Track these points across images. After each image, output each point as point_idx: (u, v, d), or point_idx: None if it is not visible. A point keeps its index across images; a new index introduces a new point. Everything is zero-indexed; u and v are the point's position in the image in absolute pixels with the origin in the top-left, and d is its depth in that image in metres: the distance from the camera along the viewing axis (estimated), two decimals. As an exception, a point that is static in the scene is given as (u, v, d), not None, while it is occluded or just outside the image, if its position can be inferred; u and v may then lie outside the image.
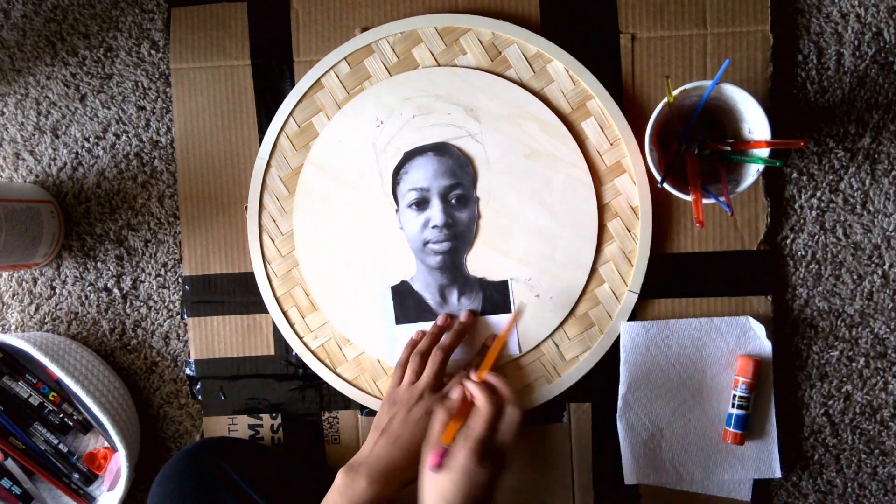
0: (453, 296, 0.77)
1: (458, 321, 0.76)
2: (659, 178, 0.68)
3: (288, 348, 0.80)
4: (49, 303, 0.83)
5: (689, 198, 0.68)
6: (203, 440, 0.78)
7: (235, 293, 0.80)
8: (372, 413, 0.79)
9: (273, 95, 0.79)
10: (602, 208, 0.76)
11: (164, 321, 0.82)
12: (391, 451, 0.65)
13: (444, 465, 0.59)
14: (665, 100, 0.67)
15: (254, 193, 0.79)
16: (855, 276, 0.78)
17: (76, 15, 0.81)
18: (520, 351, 0.77)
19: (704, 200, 0.68)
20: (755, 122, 0.68)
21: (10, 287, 0.83)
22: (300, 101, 0.78)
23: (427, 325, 0.77)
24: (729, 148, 0.70)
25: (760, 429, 0.76)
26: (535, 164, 0.76)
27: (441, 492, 0.59)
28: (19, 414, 0.79)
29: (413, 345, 0.75)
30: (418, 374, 0.72)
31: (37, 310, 0.83)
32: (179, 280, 0.81)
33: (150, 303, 0.82)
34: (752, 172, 0.68)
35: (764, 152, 0.68)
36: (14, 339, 0.75)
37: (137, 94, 0.81)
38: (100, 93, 0.81)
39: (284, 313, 0.79)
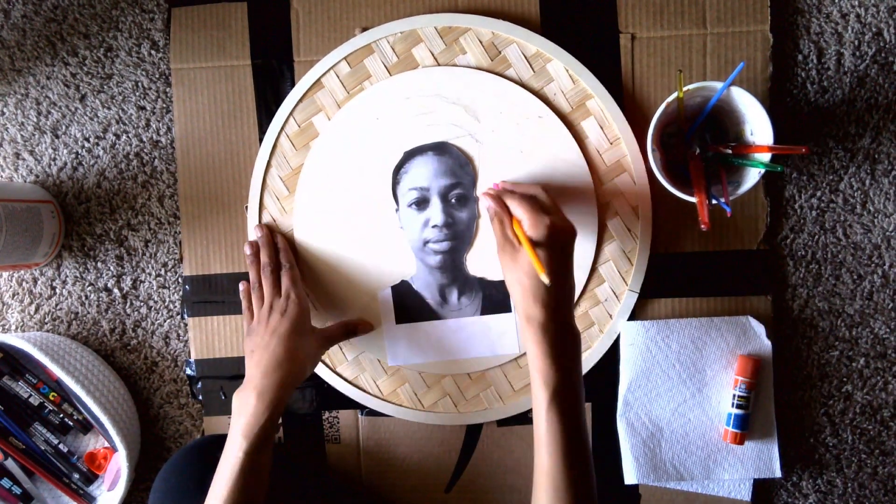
0: (453, 295, 0.77)
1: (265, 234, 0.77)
2: (665, 182, 0.68)
3: (288, 348, 0.80)
4: (49, 303, 0.83)
5: (691, 199, 0.68)
6: (206, 436, 0.78)
7: (235, 293, 0.80)
8: (373, 413, 0.79)
9: (273, 95, 0.79)
10: (602, 207, 0.76)
11: (165, 321, 0.82)
12: (267, 364, 0.67)
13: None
14: (668, 99, 0.67)
15: (254, 193, 0.79)
16: (855, 276, 0.78)
17: (76, 15, 0.81)
18: (519, 351, 0.77)
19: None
20: (758, 125, 0.68)
21: (11, 287, 0.83)
22: (300, 100, 0.78)
23: (427, 325, 0.77)
24: (730, 151, 0.70)
25: (760, 428, 0.76)
26: (535, 163, 0.76)
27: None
28: (19, 414, 0.79)
29: (247, 291, 0.76)
30: (262, 300, 0.74)
31: (37, 310, 0.83)
32: (179, 280, 0.81)
33: (151, 303, 0.82)
34: (753, 175, 0.68)
35: (765, 156, 0.67)
36: (14, 339, 0.75)
37: (137, 94, 0.81)
38: (100, 93, 0.81)
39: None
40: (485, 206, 0.71)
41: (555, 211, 0.65)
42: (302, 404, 0.80)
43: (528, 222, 0.62)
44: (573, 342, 0.62)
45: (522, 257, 0.62)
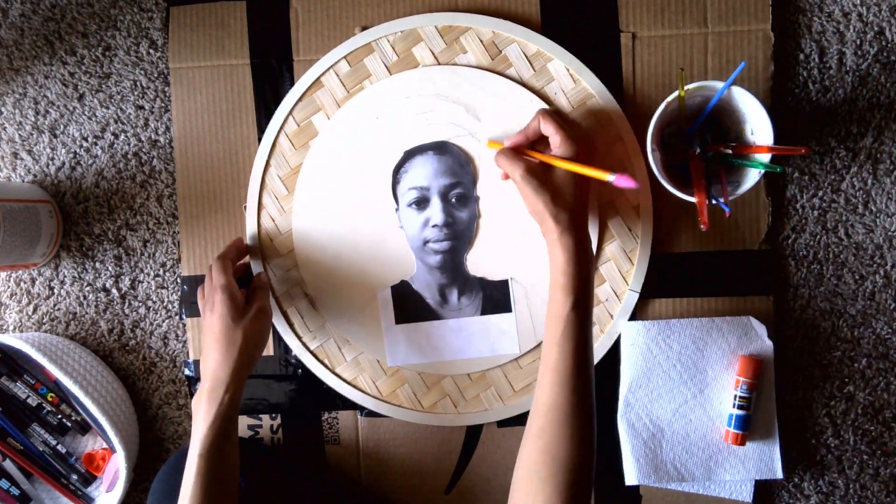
0: (453, 295, 0.77)
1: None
2: (665, 182, 0.68)
3: (287, 349, 0.79)
4: (47, 303, 0.82)
5: (691, 199, 0.68)
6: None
7: (234, 293, 0.79)
8: (372, 413, 0.79)
9: (272, 94, 0.78)
10: (602, 208, 0.76)
11: (163, 321, 0.81)
12: (211, 364, 0.66)
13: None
14: (668, 98, 0.67)
15: (253, 193, 0.78)
16: (857, 277, 0.77)
17: (74, 14, 0.81)
18: (520, 351, 0.77)
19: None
20: (758, 125, 0.68)
21: (9, 287, 0.82)
22: (300, 100, 0.77)
23: (427, 325, 0.77)
24: (730, 151, 0.69)
25: (762, 429, 0.76)
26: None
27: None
28: (17, 415, 0.79)
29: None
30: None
31: (35, 310, 0.82)
32: (178, 280, 0.81)
33: (149, 303, 0.81)
34: (753, 175, 0.68)
35: (765, 156, 0.67)
36: (12, 340, 0.75)
37: (136, 93, 0.81)
38: (98, 92, 0.81)
39: (283, 313, 0.79)
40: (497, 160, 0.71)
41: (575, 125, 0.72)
42: (301, 405, 0.80)
43: (559, 139, 0.67)
44: (590, 256, 0.66)
45: (555, 177, 0.67)
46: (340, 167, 0.77)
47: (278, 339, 0.79)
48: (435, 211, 0.76)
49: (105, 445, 0.81)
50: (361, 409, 0.79)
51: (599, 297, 0.76)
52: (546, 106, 0.75)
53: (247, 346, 0.67)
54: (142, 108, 0.81)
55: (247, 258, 0.79)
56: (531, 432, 0.61)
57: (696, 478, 0.77)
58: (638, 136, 0.75)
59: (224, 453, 0.64)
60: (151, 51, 0.80)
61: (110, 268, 0.82)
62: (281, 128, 0.78)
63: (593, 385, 0.63)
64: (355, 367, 0.79)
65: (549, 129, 0.67)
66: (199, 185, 0.80)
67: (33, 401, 0.79)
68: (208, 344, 0.67)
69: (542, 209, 0.66)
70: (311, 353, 0.79)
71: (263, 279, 0.75)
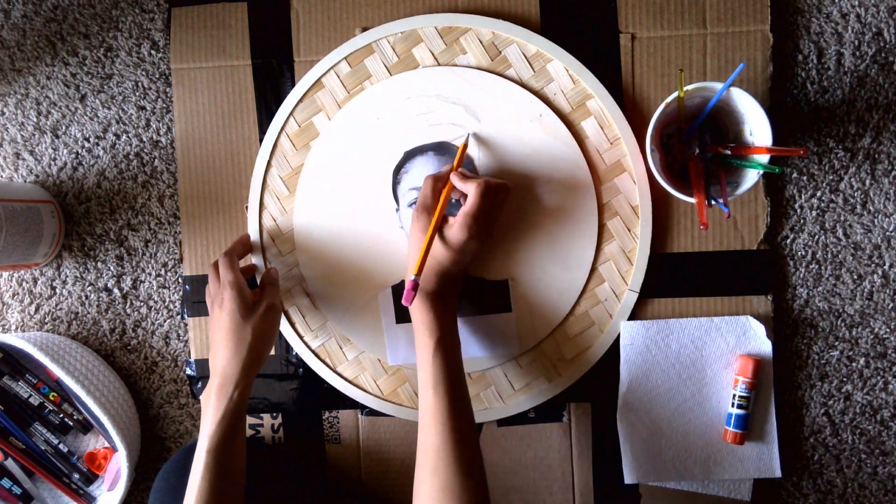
0: (453, 295, 0.77)
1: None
2: (664, 182, 0.68)
3: (288, 348, 0.80)
4: (49, 303, 0.83)
5: (690, 199, 0.68)
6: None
7: (236, 293, 0.80)
8: (373, 412, 0.79)
9: (273, 95, 0.79)
10: (602, 207, 0.76)
11: (165, 321, 0.82)
12: (220, 361, 0.67)
13: (415, 294, 0.66)
14: (668, 99, 0.67)
15: (254, 193, 0.79)
16: (855, 276, 0.78)
17: (76, 15, 0.81)
18: (519, 350, 0.77)
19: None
20: (757, 126, 0.68)
21: (11, 287, 0.83)
22: (301, 100, 0.78)
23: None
24: (729, 152, 0.70)
25: (760, 428, 0.76)
26: (535, 163, 0.76)
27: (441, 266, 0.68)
28: (19, 414, 0.79)
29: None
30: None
31: (37, 310, 0.83)
32: (180, 280, 0.81)
33: (151, 303, 0.82)
34: (752, 176, 0.68)
35: (764, 157, 0.67)
36: (14, 339, 0.75)
37: (138, 94, 0.81)
38: (100, 93, 0.81)
39: (285, 312, 0.79)
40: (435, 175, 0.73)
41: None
42: (302, 404, 0.80)
43: (461, 221, 0.67)
44: (452, 302, 0.70)
45: (446, 227, 0.69)
46: (341, 168, 0.78)
47: (280, 338, 0.80)
48: (435, 211, 0.76)
49: (107, 444, 0.81)
50: (362, 407, 0.80)
51: (599, 297, 0.77)
52: (545, 108, 0.75)
53: (256, 343, 0.67)
54: (143, 108, 0.81)
55: (253, 261, 0.79)
56: (425, 473, 0.63)
57: (695, 477, 0.77)
58: (637, 136, 0.75)
59: (232, 449, 0.64)
60: (153, 52, 0.81)
61: (112, 268, 0.82)
62: (282, 128, 0.78)
63: (473, 417, 0.67)
64: (356, 365, 0.79)
65: (468, 202, 0.68)
66: (201, 186, 0.80)
67: (35, 400, 0.79)
68: (217, 340, 0.67)
69: (412, 250, 0.69)
70: (313, 351, 0.79)
71: (273, 274, 0.75)
